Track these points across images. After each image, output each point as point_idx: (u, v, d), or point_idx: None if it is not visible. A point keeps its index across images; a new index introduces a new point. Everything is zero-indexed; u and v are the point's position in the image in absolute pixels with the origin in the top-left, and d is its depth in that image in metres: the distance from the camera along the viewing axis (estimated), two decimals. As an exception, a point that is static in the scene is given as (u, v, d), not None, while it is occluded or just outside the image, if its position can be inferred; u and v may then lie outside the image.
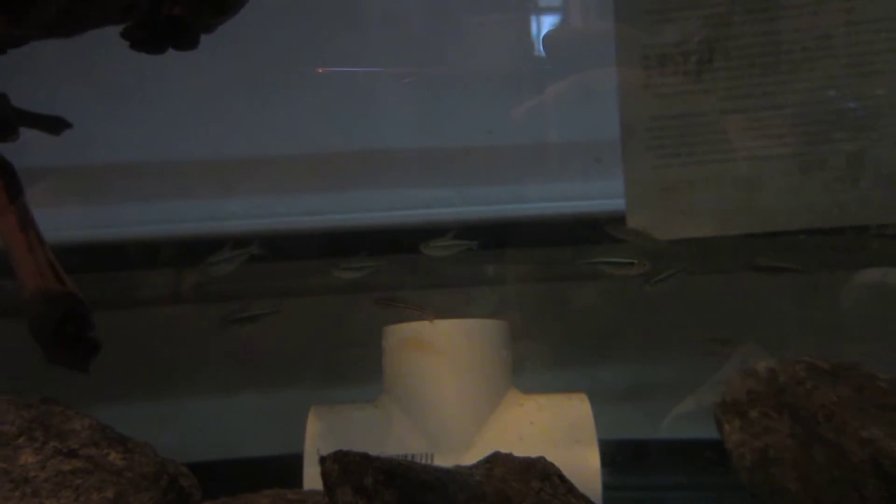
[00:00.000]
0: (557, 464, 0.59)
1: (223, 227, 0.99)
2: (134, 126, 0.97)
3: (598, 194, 0.97)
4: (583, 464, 0.71)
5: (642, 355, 1.02)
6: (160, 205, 1.00)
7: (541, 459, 0.59)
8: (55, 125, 0.75)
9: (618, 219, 0.91)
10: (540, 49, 1.01)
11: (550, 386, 0.81)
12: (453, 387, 0.76)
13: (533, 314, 0.98)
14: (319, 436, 0.74)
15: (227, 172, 1.01)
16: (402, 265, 1.02)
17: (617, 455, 0.76)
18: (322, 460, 0.45)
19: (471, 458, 0.61)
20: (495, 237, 0.98)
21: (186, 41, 0.55)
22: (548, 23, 1.03)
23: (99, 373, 0.60)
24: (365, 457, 0.45)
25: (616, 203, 0.91)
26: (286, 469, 0.73)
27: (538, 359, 0.94)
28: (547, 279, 1.02)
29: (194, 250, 0.96)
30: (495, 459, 0.58)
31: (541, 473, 0.57)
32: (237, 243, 0.93)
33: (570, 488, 0.57)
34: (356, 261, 0.94)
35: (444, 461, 0.71)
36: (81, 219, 0.98)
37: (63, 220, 0.93)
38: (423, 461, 0.73)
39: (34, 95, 0.68)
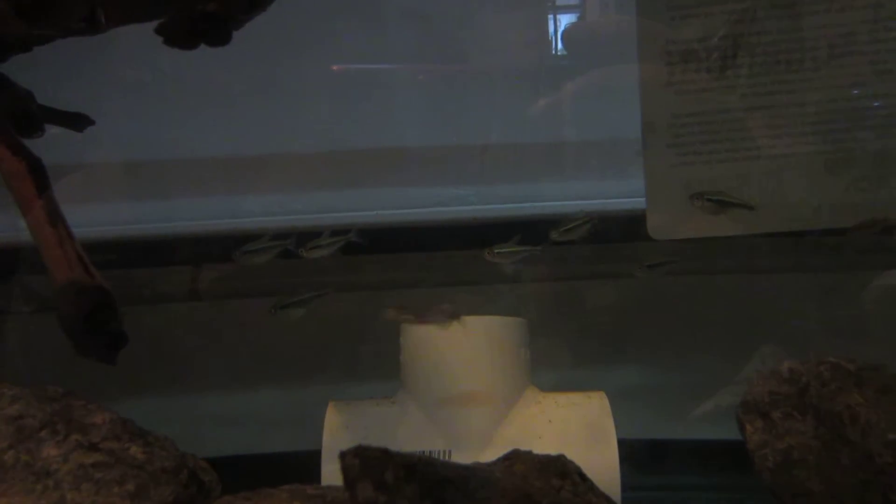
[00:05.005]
0: (576, 462, 0.58)
1: (240, 225, 0.99)
2: (151, 124, 0.98)
3: (618, 193, 0.96)
4: (601, 462, 0.71)
5: (661, 354, 1.01)
6: (178, 201, 1.01)
7: (560, 457, 0.58)
8: (78, 122, 0.76)
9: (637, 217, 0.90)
10: (559, 45, 1.00)
11: (568, 384, 0.81)
12: (472, 384, 0.75)
13: (550, 313, 0.97)
14: (337, 431, 0.74)
15: (244, 170, 1.01)
16: (418, 263, 1.02)
17: (636, 454, 0.76)
18: (342, 455, 0.44)
19: (489, 455, 0.61)
20: (513, 235, 0.98)
21: (219, 37, 0.55)
22: (567, 18, 1.02)
23: (119, 367, 0.60)
24: (385, 452, 0.44)
25: (636, 202, 0.90)
26: (304, 465, 0.73)
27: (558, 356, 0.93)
28: (566, 278, 1.01)
29: (214, 247, 0.96)
30: (515, 457, 0.58)
31: (560, 471, 0.57)
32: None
33: (590, 487, 0.57)
34: (323, 238, 0.91)
35: (462, 458, 0.71)
36: (104, 216, 0.98)
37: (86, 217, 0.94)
38: (441, 458, 0.72)
39: (46, 91, 0.69)
